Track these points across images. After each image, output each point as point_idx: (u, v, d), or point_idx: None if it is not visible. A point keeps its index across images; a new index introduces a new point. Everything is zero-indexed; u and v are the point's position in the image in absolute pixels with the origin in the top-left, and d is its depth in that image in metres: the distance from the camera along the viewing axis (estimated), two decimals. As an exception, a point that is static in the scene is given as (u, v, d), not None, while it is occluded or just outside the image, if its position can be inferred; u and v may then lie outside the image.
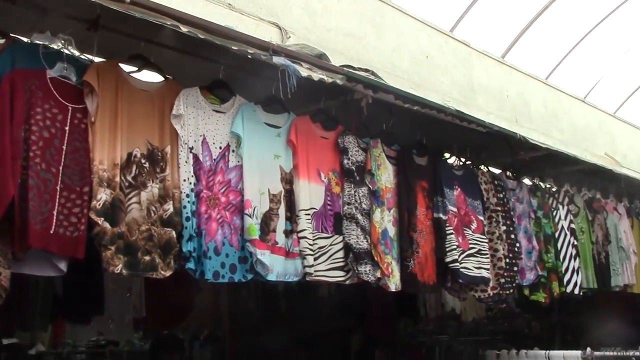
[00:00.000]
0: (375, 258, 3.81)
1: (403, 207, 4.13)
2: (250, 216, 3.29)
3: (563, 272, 5.48)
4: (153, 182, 3.04)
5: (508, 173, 5.36)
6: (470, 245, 4.56)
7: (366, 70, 4.38)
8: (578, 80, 11.20)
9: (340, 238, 3.73)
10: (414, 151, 4.45)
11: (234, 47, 3.12)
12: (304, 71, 3.36)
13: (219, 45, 3.08)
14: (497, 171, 5.32)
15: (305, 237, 3.52)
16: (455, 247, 4.34)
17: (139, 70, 3.22)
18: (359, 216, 3.80)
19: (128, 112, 3.01)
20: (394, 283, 3.92)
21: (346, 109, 3.96)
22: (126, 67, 3.17)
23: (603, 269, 6.04)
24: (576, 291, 5.55)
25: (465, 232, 4.56)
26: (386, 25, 7.36)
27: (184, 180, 3.15)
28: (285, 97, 3.29)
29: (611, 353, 5.38)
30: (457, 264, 4.33)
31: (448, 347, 6.92)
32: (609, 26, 10.89)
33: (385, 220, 3.98)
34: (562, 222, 5.65)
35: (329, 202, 3.75)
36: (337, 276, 3.71)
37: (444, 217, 4.35)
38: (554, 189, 5.81)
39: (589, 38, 10.86)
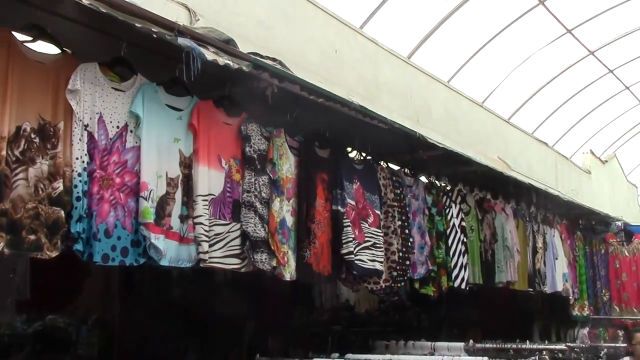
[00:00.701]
0: (272, 247, 3.82)
1: (302, 197, 4.17)
2: (145, 199, 3.21)
3: (452, 267, 5.72)
4: (43, 158, 2.90)
5: (406, 170, 5.53)
6: (366, 238, 4.67)
7: (274, 60, 4.38)
8: (478, 85, 11.71)
9: (238, 226, 3.71)
10: (317, 143, 4.49)
11: (137, 25, 3.02)
12: (209, 55, 3.30)
13: (121, 21, 2.97)
14: (396, 168, 5.48)
15: (201, 223, 3.47)
16: (351, 239, 4.42)
17: (33, 41, 3.06)
18: (258, 205, 3.80)
19: (19, 83, 2.85)
20: (289, 272, 3.95)
21: (251, 96, 3.94)
22: (20, 37, 3.00)
23: (489, 265, 6.35)
24: (463, 286, 5.81)
25: (362, 225, 4.66)
26: (297, 16, 7.39)
27: (77, 159, 3.02)
28: (189, 80, 3.22)
29: (491, 345, 5.70)
30: (352, 256, 4.42)
31: (341, 337, 7.08)
32: (509, 36, 11.46)
33: (284, 210, 4.00)
34: (454, 220, 5.89)
35: (228, 189, 3.72)
36: (233, 264, 3.70)
37: (342, 210, 4.42)
38: (448, 188, 6.04)
39: (490, 46, 11.37)
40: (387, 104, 8.69)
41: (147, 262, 3.27)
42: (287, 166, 4.11)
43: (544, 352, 5.28)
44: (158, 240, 3.23)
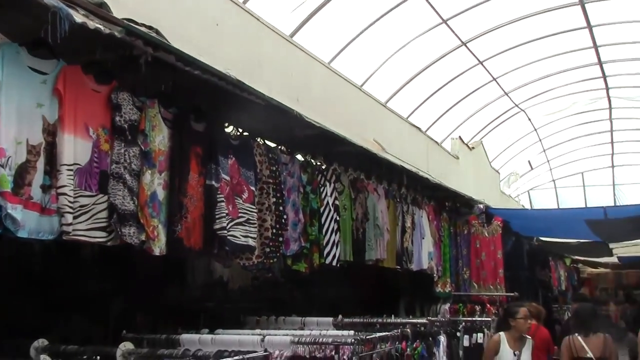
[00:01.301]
0: (141, 220, 3.73)
1: (175, 171, 4.09)
2: (2, 166, 3.01)
3: (324, 244, 5.86)
4: None
5: (283, 148, 5.57)
6: (240, 214, 4.67)
7: (149, 28, 4.23)
8: (357, 68, 11.96)
9: (105, 197, 3.58)
10: (192, 116, 4.41)
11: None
12: (78, 17, 3.13)
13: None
14: (272, 145, 5.50)
15: (65, 194, 3.31)
16: (224, 214, 4.41)
17: None
18: (128, 176, 3.68)
19: None
20: (158, 247, 3.88)
21: (123, 64, 3.79)
22: None
23: (359, 243, 6.57)
24: (334, 263, 5.98)
25: (236, 200, 4.65)
26: (178, -15, 7.17)
27: None
28: (55, 42, 3.04)
29: (359, 320, 5.92)
30: (225, 231, 4.41)
31: (213, 313, 7.04)
32: (388, 22, 11.77)
33: (155, 183, 3.91)
34: (328, 199, 6.03)
35: (95, 159, 3.57)
36: (98, 237, 3.56)
37: (216, 185, 4.38)
38: (323, 167, 6.17)
39: (370, 30, 11.62)
40: (267, 81, 8.65)
41: (4, 234, 3.08)
42: (159, 138, 4.00)
43: (407, 326, 5.56)
44: (15, 210, 3.05)
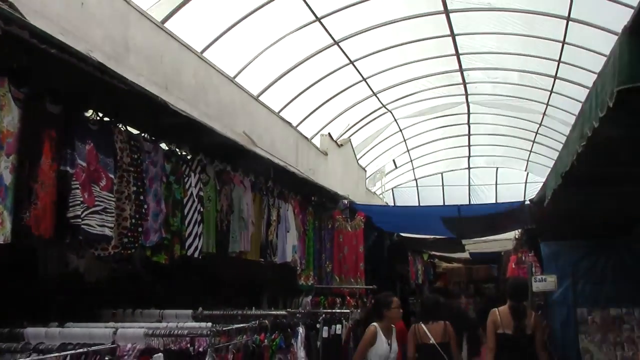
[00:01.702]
0: (-16, 206, 3.49)
1: (25, 154, 3.86)
2: None
3: (186, 236, 5.78)
4: None
5: (146, 135, 5.42)
6: (96, 202, 4.49)
7: (3, 0, 3.96)
8: (230, 60, 11.86)
9: (-58, 180, 3.32)
10: (48, 98, 4.18)
11: None
12: None
13: None
14: (135, 132, 5.34)
15: None
16: (79, 202, 4.22)
17: None
18: (-31, 158, 3.43)
19: None
20: (2, 234, 3.64)
21: (-31, 37, 3.52)
22: None
23: (223, 235, 6.55)
24: (196, 254, 5.91)
25: (92, 188, 4.47)
26: (38, -41, 6.74)
27: None
28: None
29: (219, 312, 5.90)
30: (79, 220, 4.23)
31: (66, 305, 6.71)
32: (263, 16, 11.77)
33: (1, 166, 3.66)
34: (192, 189, 5.95)
35: None
36: None
37: (70, 171, 4.19)
38: (189, 157, 6.07)
39: (245, 22, 11.55)
40: (135, 67, 8.39)
41: None
42: (8, 119, 3.75)
43: (266, 318, 5.62)
44: None
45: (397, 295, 11.10)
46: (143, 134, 5.38)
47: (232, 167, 6.98)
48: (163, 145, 5.72)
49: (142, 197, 5.02)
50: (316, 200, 9.83)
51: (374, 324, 6.89)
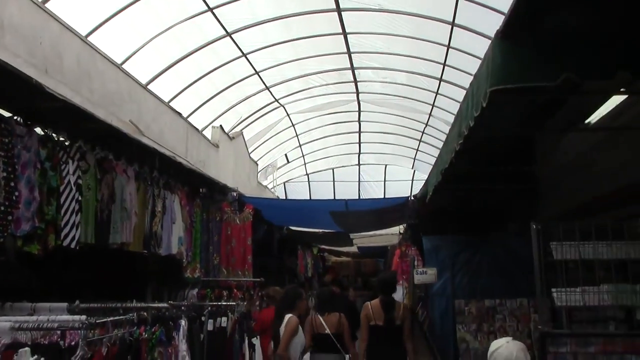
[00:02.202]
0: None
1: None
2: None
3: (62, 225, 5.51)
4: None
5: (19, 119, 5.11)
6: (-40, 188, 4.20)
7: None
8: (118, 46, 11.42)
9: None
10: None
11: None
12: None
13: None
14: (6, 114, 5.03)
15: None
16: (-61, 187, 3.92)
17: None
18: None
19: None
20: None
21: None
22: None
23: (103, 226, 6.31)
24: (73, 245, 5.65)
25: (-45, 172, 4.16)
26: None
27: None
28: None
29: (97, 305, 5.68)
30: (-61, 206, 3.93)
31: None
32: (153, 2, 11.44)
33: None
34: (70, 177, 5.67)
35: None
36: None
37: None
38: (67, 143, 5.79)
39: (134, 7, 11.17)
40: (11, 48, 7.91)
41: None
42: None
43: (147, 310, 5.48)
44: None
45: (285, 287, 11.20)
46: (16, 117, 5.06)
47: (115, 155, 6.72)
48: (38, 130, 5.41)
49: (12, 184, 4.74)
50: (204, 192, 9.69)
51: (292, 315, 7.03)
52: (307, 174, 26.08)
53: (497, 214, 12.29)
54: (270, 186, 23.26)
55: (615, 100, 7.03)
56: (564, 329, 5.60)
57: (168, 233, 7.86)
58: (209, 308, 7.54)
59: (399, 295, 12.89)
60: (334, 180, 26.77)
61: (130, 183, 6.90)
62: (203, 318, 7.34)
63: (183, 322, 5.57)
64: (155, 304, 5.88)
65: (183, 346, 5.39)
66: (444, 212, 11.71)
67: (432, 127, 19.63)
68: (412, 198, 10.82)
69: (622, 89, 6.62)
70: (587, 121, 7.74)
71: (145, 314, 5.18)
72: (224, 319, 7.47)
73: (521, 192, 11.06)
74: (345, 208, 10.99)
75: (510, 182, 10.37)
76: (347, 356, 7.05)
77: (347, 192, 25.63)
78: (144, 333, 5.02)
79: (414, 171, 25.75)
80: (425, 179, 10.68)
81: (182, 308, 6.65)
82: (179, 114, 13.63)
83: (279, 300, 7.19)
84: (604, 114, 7.42)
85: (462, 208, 12.14)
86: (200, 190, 9.51)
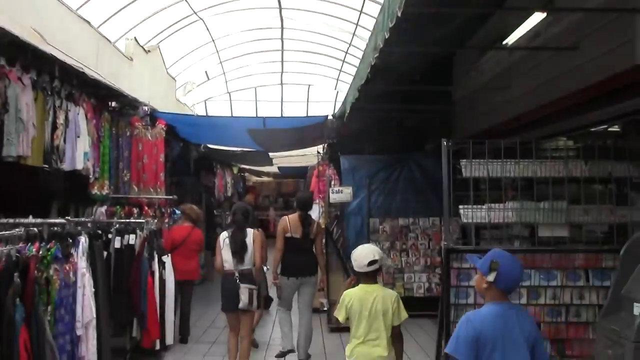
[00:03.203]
0: None
1: None
2: None
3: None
4: None
5: None
6: None
7: None
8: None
9: None
10: None
11: None
12: None
13: None
14: None
15: None
16: None
17: None
18: None
19: None
20: None
21: None
22: None
23: (-4, 138, 5.87)
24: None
25: None
26: None
27: None
28: None
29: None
30: None
31: None
32: None
33: None
34: (-47, 82, 5.18)
35: None
36: None
37: None
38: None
39: None
40: None
41: None
42: None
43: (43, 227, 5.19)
44: None
45: (203, 207, 11.04)
46: None
47: (8, 61, 6.18)
48: None
49: None
50: (114, 106, 9.20)
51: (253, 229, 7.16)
52: (229, 92, 25.44)
53: (414, 134, 12.41)
54: (189, 104, 22.56)
55: (533, 20, 7.02)
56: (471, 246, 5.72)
57: (72, 147, 7.43)
58: (117, 225, 7.31)
59: (315, 214, 12.99)
60: (256, 100, 26.28)
61: (27, 92, 6.40)
62: (110, 235, 7.12)
63: (83, 239, 5.32)
64: (51, 220, 5.55)
65: (82, 263, 5.16)
66: (362, 132, 11.70)
67: (356, 46, 19.37)
68: (331, 117, 10.69)
69: (543, 7, 6.60)
70: (505, 42, 7.73)
71: (35, 229, 4.88)
72: (132, 236, 7.27)
73: (437, 113, 11.15)
74: (263, 125, 10.75)
75: (427, 103, 10.42)
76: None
77: (269, 112, 25.28)
78: (39, 250, 4.75)
79: (337, 92, 25.59)
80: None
81: (84, 225, 6.37)
82: (88, 22, 12.75)
83: (241, 216, 6.96)
84: (522, 34, 7.42)
85: (380, 129, 12.16)
86: (109, 103, 9.01)
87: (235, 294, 6.61)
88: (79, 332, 5.17)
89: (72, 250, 5.11)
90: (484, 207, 5.34)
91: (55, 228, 5.22)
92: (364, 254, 4.60)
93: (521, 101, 8.04)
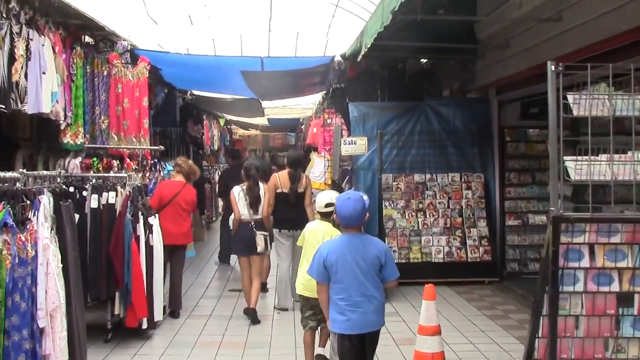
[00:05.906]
0: None
1: None
2: None
3: None
4: None
5: None
6: None
7: None
8: None
9: None
10: None
11: None
12: None
13: None
14: None
15: None
16: None
17: None
18: None
19: None
20: None
21: None
22: None
23: None
24: None
25: None
26: None
27: None
28: None
29: None
30: None
31: None
32: None
33: None
34: None
35: None
36: None
37: None
38: None
39: None
40: None
41: None
42: None
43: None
44: None
45: (191, 159, 9.75)
46: None
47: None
48: None
49: None
50: (88, 40, 7.78)
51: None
52: (213, 39, 23.83)
53: (431, 79, 11.14)
54: (172, 51, 20.95)
55: None
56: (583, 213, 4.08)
57: (36, 85, 6.04)
58: (93, 181, 6.02)
59: (320, 169, 11.78)
60: (241, 47, 24.70)
61: (-28, 10, 4.99)
62: (85, 193, 5.84)
63: (45, 199, 4.00)
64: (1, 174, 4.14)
65: (45, 231, 3.87)
66: (375, 76, 10.35)
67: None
68: (339, 59, 9.35)
69: None
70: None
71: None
72: (112, 194, 6.00)
73: (458, 53, 9.86)
74: (261, 67, 9.39)
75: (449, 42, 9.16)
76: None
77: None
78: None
79: (327, 40, 24.07)
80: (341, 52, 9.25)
81: (48, 179, 4.94)
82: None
83: (256, 171, 7.75)
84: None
85: (392, 73, 10.84)
86: (82, 36, 7.58)
87: (252, 240, 7.45)
88: (41, 323, 3.91)
89: (30, 215, 3.83)
90: (601, 159, 3.88)
91: (5, 184, 3.87)
92: (323, 197, 5.60)
93: (573, 35, 6.81)
